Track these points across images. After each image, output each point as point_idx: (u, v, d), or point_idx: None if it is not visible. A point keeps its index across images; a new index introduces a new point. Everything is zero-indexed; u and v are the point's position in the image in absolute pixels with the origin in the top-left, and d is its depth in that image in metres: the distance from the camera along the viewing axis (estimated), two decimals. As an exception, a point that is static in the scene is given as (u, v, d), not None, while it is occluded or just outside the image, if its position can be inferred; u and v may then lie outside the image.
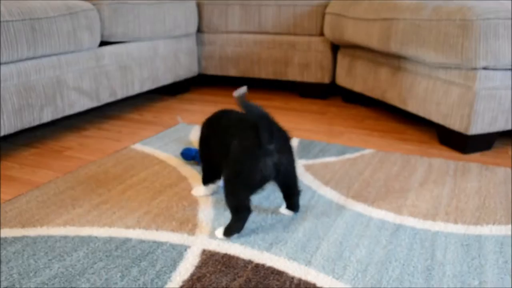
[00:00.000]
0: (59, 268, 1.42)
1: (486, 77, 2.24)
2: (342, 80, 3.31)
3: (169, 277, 1.37)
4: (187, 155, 2.15)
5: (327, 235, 1.60)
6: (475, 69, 2.23)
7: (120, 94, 2.90)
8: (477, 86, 2.24)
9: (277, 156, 1.50)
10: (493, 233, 1.62)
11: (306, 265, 1.43)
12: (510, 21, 2.18)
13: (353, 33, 2.95)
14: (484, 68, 2.23)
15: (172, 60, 3.34)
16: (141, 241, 1.55)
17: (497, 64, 2.20)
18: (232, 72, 3.64)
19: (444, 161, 2.25)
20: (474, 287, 1.34)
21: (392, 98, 2.78)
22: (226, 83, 3.96)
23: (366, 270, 1.41)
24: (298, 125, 2.83)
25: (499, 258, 1.48)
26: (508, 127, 2.38)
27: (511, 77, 2.28)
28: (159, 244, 1.54)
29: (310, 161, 2.22)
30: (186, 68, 3.51)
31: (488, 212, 1.76)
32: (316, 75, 3.42)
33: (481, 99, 2.26)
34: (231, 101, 3.44)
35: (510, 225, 1.67)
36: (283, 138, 1.55)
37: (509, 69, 2.26)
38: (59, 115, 2.49)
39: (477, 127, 2.31)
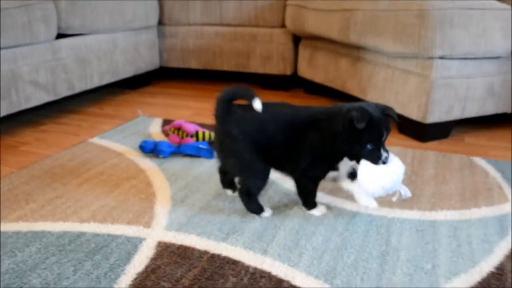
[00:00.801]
0: (9, 264, 1.38)
1: (443, 66, 2.27)
2: (304, 71, 3.32)
3: (122, 270, 1.35)
4: (145, 147, 2.12)
5: (284, 224, 1.59)
6: (431, 58, 2.26)
7: (79, 88, 2.84)
8: (434, 75, 2.26)
9: None
10: (448, 218, 1.64)
11: (262, 254, 1.43)
12: (466, 10, 2.21)
13: (314, 24, 2.96)
14: (441, 58, 2.26)
15: (133, 53, 3.29)
16: (96, 235, 1.52)
17: (453, 53, 2.23)
18: (194, 64, 3.61)
19: (402, 150, 2.27)
20: (427, 270, 1.35)
21: (352, 88, 2.80)
22: (188, 76, 3.92)
23: (322, 257, 1.41)
24: (260, 116, 2.82)
25: (452, 242, 1.50)
26: (465, 116, 2.42)
27: (467, 66, 2.32)
28: (114, 237, 1.51)
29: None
30: (147, 61, 3.46)
31: (444, 198, 1.79)
32: (278, 66, 3.42)
33: (438, 88, 2.29)
34: (193, 93, 3.42)
35: (464, 210, 1.70)
36: None
37: (465, 58, 2.30)
38: (15, 109, 2.43)
39: (434, 116, 2.34)
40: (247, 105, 1.55)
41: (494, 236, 1.55)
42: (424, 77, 2.29)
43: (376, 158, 1.46)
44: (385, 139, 1.46)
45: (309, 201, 1.65)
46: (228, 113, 1.56)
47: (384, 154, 1.45)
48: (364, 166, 1.47)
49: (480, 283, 1.33)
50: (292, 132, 1.52)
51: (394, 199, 1.56)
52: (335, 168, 1.56)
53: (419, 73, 2.32)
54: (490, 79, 2.40)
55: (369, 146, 1.44)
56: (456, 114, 2.39)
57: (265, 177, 1.61)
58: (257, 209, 1.62)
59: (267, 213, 1.64)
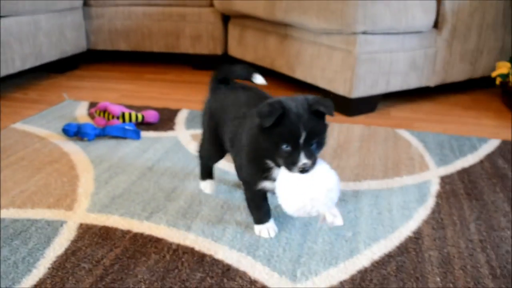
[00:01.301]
0: None
1: (366, 41, 2.31)
2: (234, 50, 3.31)
3: (42, 254, 1.31)
4: (69, 131, 2.06)
5: (208, 200, 1.59)
6: (355, 33, 2.29)
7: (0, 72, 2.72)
8: (357, 50, 2.30)
9: None
10: (370, 187, 1.69)
11: (185, 230, 1.42)
12: (383, -14, 2.25)
13: (241, 2, 2.94)
14: (364, 33, 2.30)
15: (57, 35, 3.18)
16: (15, 220, 1.47)
17: (375, 28, 2.28)
18: (123, 46, 3.53)
19: (329, 124, 2.30)
20: (348, 238, 1.39)
21: (281, 66, 2.81)
22: (118, 58, 3.83)
23: (245, 231, 1.42)
24: (189, 97, 2.80)
25: (373, 210, 1.54)
26: (389, 90, 2.48)
27: (389, 41, 2.37)
28: (34, 221, 1.47)
29: (198, 131, 2.20)
30: (73, 44, 3.36)
31: (367, 169, 1.83)
32: (208, 46, 3.39)
33: (361, 63, 2.33)
34: (122, 76, 3.34)
35: (386, 180, 1.75)
36: None
37: (388, 33, 2.35)
38: None
39: (360, 90, 2.39)
40: (242, 86, 1.50)
41: (413, 203, 1.60)
42: (348, 53, 2.33)
43: (290, 164, 1.17)
44: (309, 141, 1.17)
45: (251, 213, 1.43)
46: (213, 90, 1.54)
47: (302, 160, 1.16)
48: (282, 177, 1.22)
49: (398, 247, 1.37)
50: (234, 122, 1.37)
51: (318, 224, 1.39)
52: (267, 176, 1.29)
53: (343, 48, 2.36)
54: (412, 53, 2.46)
55: (284, 148, 1.17)
56: (380, 88, 2.44)
57: (213, 158, 1.61)
58: (201, 176, 1.66)
59: (204, 186, 1.65)
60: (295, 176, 1.18)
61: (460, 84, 2.80)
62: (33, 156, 1.92)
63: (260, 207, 1.39)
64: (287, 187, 1.19)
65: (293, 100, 1.19)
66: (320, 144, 1.22)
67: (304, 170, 1.16)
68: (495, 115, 2.51)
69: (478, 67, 2.73)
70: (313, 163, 1.18)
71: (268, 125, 1.14)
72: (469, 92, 2.90)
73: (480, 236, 1.43)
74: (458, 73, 2.67)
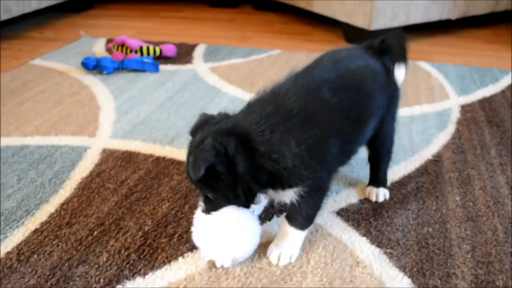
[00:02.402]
0: (-50, 177, 1.36)
1: (386, -29, 2.26)
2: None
3: (67, 176, 1.35)
4: (88, 64, 2.07)
5: (229, 127, 1.60)
6: (375, -37, 2.24)
7: (16, 11, 2.71)
8: (378, -20, 2.25)
9: None
10: (389, 115, 1.68)
11: (207, 154, 1.43)
12: None
13: None
14: (384, -38, 2.24)
15: (72, -26, 3.14)
16: (39, 147, 1.50)
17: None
18: (138, -15, 3.48)
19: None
20: (366, 161, 1.39)
21: (298, 1, 2.76)
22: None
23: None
24: (207, 33, 2.78)
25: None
26: (409, 22, 2.44)
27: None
28: (58, 147, 1.50)
29: (216, 64, 2.20)
30: (88, -18, 3.32)
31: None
32: (225, -17, 3.34)
33: (381, -6, 2.28)
34: (137, 14, 3.31)
35: (406, 108, 1.74)
36: None
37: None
38: None
39: (379, 23, 2.35)
40: None
41: (433, 129, 1.60)
42: (368, -17, 2.28)
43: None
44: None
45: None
46: None
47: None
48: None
49: (418, 169, 1.38)
50: None
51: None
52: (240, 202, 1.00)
53: (363, -21, 2.30)
54: (433, -16, 2.40)
55: None
56: (400, 20, 2.40)
57: None
58: None
59: None
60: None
61: (482, 17, 2.74)
62: (54, 89, 1.94)
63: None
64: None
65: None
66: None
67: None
68: (517, 48, 2.46)
69: (501, 0, 2.66)
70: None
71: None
72: (491, 26, 2.84)
73: (500, 160, 1.43)
74: (481, 6, 2.61)
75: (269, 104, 0.96)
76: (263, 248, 1.07)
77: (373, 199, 1.24)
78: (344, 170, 1.34)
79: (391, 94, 1.15)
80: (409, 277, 1.01)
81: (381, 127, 1.14)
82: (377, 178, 1.26)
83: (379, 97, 1.09)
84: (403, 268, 1.03)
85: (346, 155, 1.07)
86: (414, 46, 2.41)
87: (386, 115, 1.14)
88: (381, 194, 1.24)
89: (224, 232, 0.99)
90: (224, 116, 0.99)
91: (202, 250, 1.03)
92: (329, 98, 0.99)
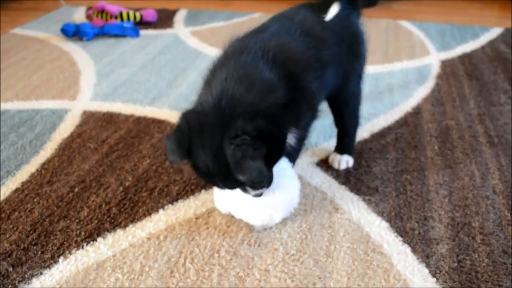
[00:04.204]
0: None
1: None
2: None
3: (48, 138, 1.34)
4: (67, 31, 2.05)
5: (210, 86, 1.60)
6: None
7: (-6, -19, 2.67)
8: None
9: None
10: (370, 71, 1.69)
11: (188, 113, 1.44)
12: None
13: None
14: None
15: None
16: (20, 111, 1.50)
17: None
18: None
19: (330, 18, 2.28)
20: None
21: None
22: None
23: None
24: (188, -1, 2.75)
25: (373, 90, 1.57)
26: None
27: None
28: (38, 111, 1.49)
29: (197, 28, 2.18)
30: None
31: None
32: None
33: (362, -47, 2.26)
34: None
35: (386, 64, 1.75)
36: None
37: None
38: None
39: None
40: None
41: (413, 84, 1.61)
42: None
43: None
44: None
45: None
46: None
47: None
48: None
49: (397, 121, 1.39)
50: None
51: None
52: None
53: None
54: None
55: None
56: (382, -20, 2.39)
57: None
58: None
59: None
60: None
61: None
62: (34, 56, 1.92)
63: None
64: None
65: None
66: None
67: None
68: (500, 7, 2.46)
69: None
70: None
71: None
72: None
73: (479, 111, 1.44)
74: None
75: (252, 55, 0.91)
76: (242, 198, 1.08)
77: (335, 166, 1.20)
78: (324, 124, 1.34)
79: (352, 48, 1.11)
80: (387, 221, 1.03)
81: (345, 84, 1.11)
82: (342, 143, 1.22)
83: (333, 46, 1.05)
84: (381, 213, 1.05)
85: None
86: (397, 6, 2.41)
87: (349, 72, 1.11)
88: (344, 162, 1.20)
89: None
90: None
91: (241, 214, 0.99)
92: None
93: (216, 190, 1.01)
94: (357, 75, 1.13)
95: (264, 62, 0.89)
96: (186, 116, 0.86)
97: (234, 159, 0.79)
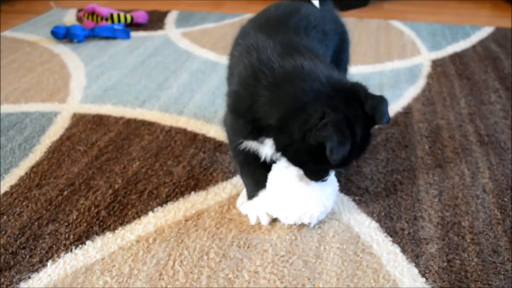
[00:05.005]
0: None
1: None
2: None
3: (37, 141, 1.34)
4: (58, 33, 2.04)
5: (200, 88, 1.60)
6: None
7: (-16, -16, 2.66)
8: None
9: None
10: (360, 71, 1.69)
11: (178, 114, 1.44)
12: None
13: None
14: None
15: None
16: (9, 114, 1.49)
17: None
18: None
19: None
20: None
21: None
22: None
23: (237, 112, 1.43)
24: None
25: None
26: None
27: None
28: (28, 114, 1.48)
29: (188, 29, 2.18)
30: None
31: (357, 56, 1.83)
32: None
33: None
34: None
35: (377, 64, 1.75)
36: None
37: None
38: None
39: (352, -17, 2.34)
40: None
41: (404, 83, 1.61)
42: None
43: (315, 177, 0.97)
44: None
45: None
46: None
47: (330, 175, 0.99)
48: (275, 183, 1.01)
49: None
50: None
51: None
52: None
53: None
54: None
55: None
56: (373, -20, 2.39)
57: None
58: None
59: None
60: (292, 183, 0.97)
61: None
62: (24, 59, 1.91)
63: (249, 175, 1.05)
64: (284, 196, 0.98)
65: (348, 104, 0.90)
66: None
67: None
68: (492, 6, 2.47)
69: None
70: None
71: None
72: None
73: (469, 110, 1.44)
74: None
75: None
76: (232, 200, 1.08)
77: None
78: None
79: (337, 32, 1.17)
80: (377, 221, 1.02)
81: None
82: None
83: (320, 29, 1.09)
84: (371, 214, 1.04)
85: None
86: (388, 6, 2.41)
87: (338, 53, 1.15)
88: None
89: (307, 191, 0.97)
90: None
91: (282, 212, 0.98)
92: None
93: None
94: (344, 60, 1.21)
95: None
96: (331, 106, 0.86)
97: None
